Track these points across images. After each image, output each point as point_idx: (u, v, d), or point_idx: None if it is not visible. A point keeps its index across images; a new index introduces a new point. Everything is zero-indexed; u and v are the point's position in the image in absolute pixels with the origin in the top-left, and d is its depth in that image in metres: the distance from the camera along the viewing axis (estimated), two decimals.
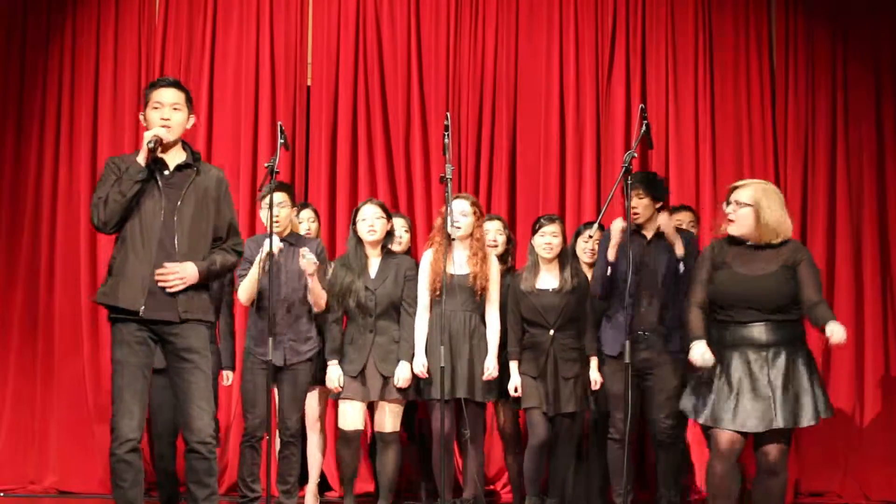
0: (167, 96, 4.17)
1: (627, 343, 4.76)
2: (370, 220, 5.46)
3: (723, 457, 4.53)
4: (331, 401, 5.82)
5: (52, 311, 6.75)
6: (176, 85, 4.23)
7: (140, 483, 4.01)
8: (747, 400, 4.46)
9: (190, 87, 6.76)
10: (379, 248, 5.51)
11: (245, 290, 5.33)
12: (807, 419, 4.45)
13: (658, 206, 5.40)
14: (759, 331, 4.50)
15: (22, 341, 6.76)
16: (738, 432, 4.50)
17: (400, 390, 5.38)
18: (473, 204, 5.50)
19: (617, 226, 5.21)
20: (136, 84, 6.84)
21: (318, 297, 5.37)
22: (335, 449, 5.61)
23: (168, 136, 4.12)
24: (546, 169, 6.73)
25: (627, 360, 4.74)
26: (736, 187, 4.65)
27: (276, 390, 5.46)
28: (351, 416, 5.41)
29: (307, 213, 5.90)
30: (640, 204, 5.33)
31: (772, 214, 4.56)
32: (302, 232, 5.76)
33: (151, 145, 4.06)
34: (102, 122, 6.86)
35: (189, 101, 4.24)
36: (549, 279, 5.46)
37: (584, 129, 6.75)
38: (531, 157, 6.77)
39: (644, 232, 5.38)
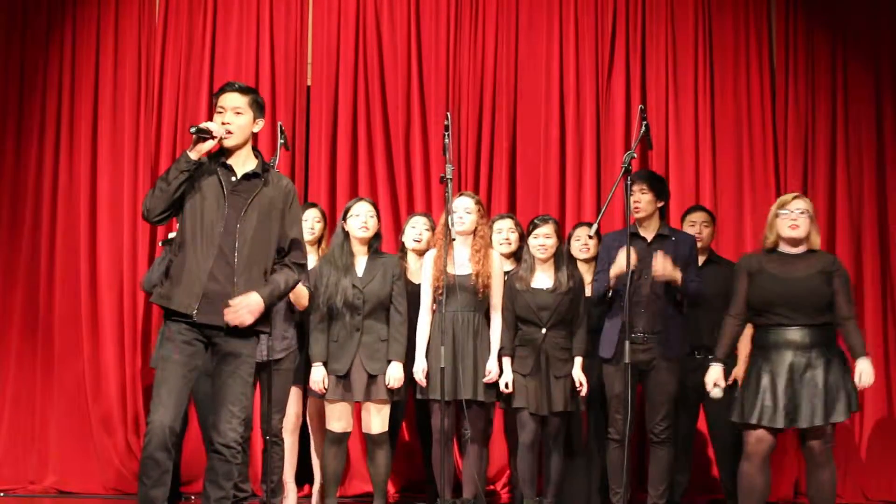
0: (229, 100, 4.14)
1: (627, 343, 4.83)
2: (364, 217, 5.43)
3: (749, 455, 4.76)
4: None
5: (52, 311, 6.75)
6: (239, 89, 4.18)
7: (165, 484, 3.99)
8: (781, 398, 4.68)
9: (190, 87, 6.87)
10: (367, 246, 5.47)
11: None
12: (839, 415, 4.69)
13: (660, 204, 5.42)
14: (800, 334, 4.73)
15: (22, 341, 6.76)
16: (769, 431, 4.70)
17: (388, 390, 5.33)
18: (477, 202, 5.49)
19: (621, 261, 5.14)
20: (136, 84, 6.86)
21: (300, 296, 5.34)
22: (321, 449, 5.54)
23: (222, 134, 4.08)
24: (546, 169, 6.74)
25: (627, 360, 4.81)
26: (795, 197, 4.88)
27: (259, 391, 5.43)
28: (338, 417, 5.38)
29: (313, 214, 5.84)
30: (643, 198, 5.35)
31: (816, 222, 4.93)
32: (306, 231, 5.74)
33: (193, 130, 4.03)
34: (102, 122, 6.86)
35: (255, 104, 4.17)
36: (544, 279, 5.46)
37: (584, 129, 6.75)
38: (531, 157, 6.77)
39: (644, 234, 5.39)
